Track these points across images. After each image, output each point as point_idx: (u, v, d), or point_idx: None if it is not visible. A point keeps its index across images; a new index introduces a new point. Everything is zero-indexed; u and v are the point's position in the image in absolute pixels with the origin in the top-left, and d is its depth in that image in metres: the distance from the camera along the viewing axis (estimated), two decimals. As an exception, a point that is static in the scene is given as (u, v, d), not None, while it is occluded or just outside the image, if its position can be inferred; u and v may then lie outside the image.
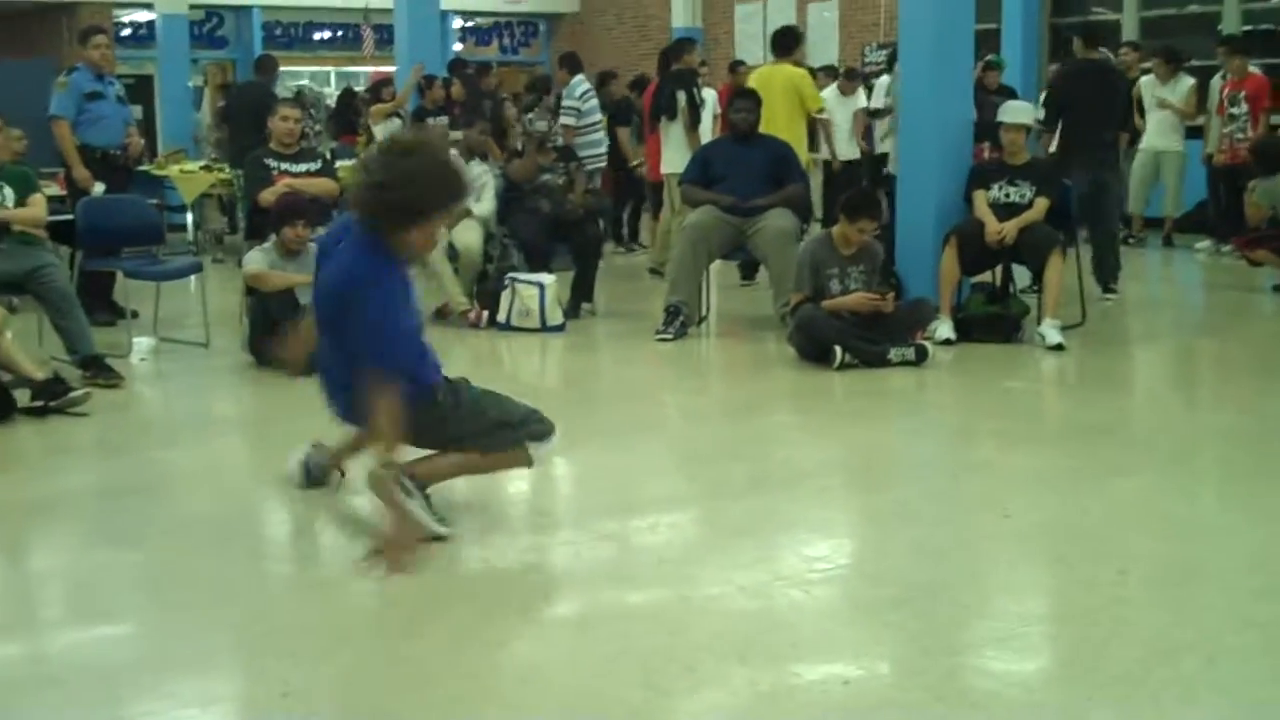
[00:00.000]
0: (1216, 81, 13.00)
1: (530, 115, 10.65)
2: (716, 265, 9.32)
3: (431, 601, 3.96)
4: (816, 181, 13.42)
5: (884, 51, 15.99)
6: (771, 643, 3.57)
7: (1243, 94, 12.31)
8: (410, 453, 4.47)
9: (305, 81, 21.49)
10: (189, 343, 8.41)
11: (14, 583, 4.38)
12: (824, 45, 19.28)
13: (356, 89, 17.48)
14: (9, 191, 7.48)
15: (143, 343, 8.43)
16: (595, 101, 12.48)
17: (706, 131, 11.23)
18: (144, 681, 3.43)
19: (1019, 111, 8.73)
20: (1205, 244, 12.80)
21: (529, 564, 4.41)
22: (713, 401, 7.30)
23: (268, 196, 8.16)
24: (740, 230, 8.58)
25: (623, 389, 7.54)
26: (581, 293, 9.35)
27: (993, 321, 8.21)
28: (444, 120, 13.45)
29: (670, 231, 10.44)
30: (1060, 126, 9.95)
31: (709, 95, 11.73)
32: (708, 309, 9.06)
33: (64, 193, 9.74)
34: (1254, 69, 12.64)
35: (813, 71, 14.20)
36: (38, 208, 7.56)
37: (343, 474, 5.04)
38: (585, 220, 9.55)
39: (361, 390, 4.23)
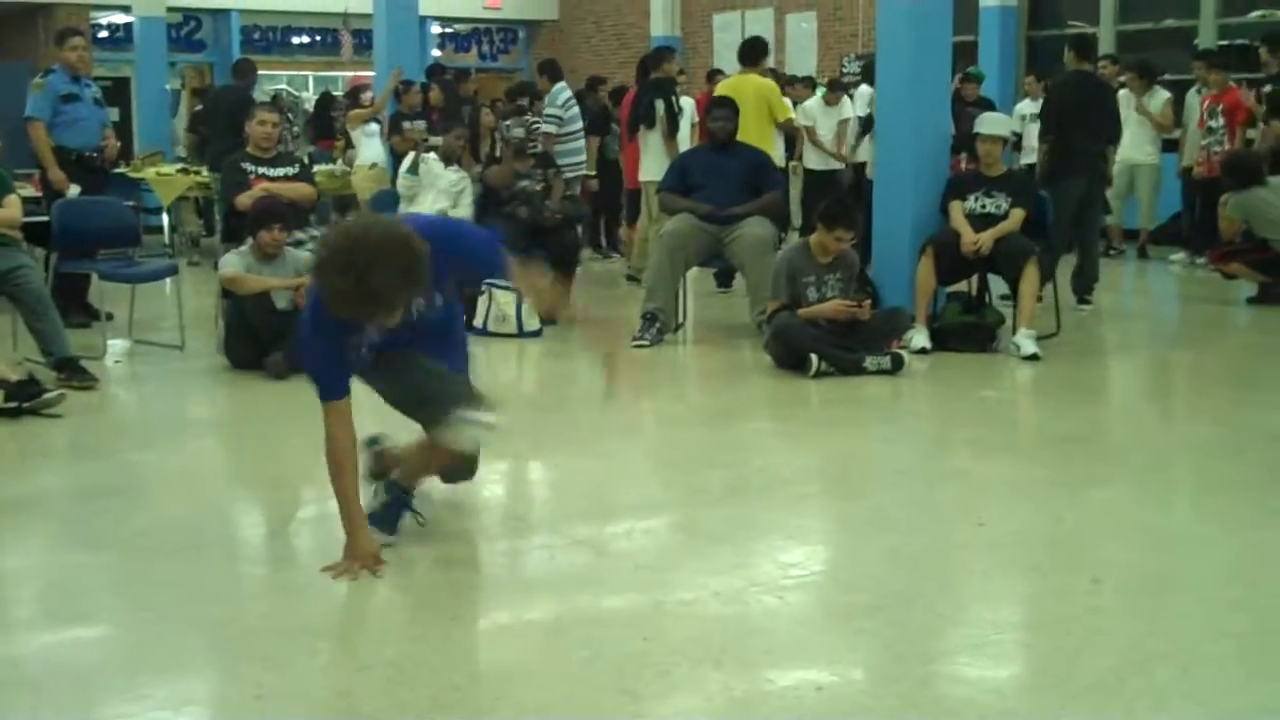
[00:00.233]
0: (1193, 95, 13.07)
1: (508, 122, 10.63)
2: (693, 272, 9.33)
3: (406, 605, 3.96)
4: (796, 190, 13.45)
5: (860, 62, 16.02)
6: (746, 648, 3.57)
7: (1220, 107, 12.38)
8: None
9: (283, 86, 21.45)
10: (164, 345, 8.38)
11: (-14, 584, 4.36)
12: (802, 56, 19.31)
13: (335, 93, 17.45)
14: (-16, 192, 7.46)
15: (117, 345, 8.40)
16: (577, 109, 12.48)
17: (684, 140, 11.25)
18: (118, 684, 3.42)
19: (995, 123, 8.77)
20: (1180, 256, 12.86)
21: (504, 568, 4.41)
22: (689, 408, 7.30)
23: (244, 200, 8.13)
24: (717, 238, 8.59)
25: (599, 395, 7.54)
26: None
27: (968, 331, 8.23)
28: (421, 125, 13.43)
29: (648, 239, 10.45)
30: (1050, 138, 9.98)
31: (687, 104, 11.75)
32: (684, 316, 9.07)
33: (39, 194, 9.70)
34: (1232, 83, 12.70)
35: (791, 80, 14.25)
36: (12, 209, 7.52)
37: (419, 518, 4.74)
38: (563, 227, 9.55)
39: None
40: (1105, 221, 13.32)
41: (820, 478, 5.69)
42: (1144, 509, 5.01)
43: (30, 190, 9.71)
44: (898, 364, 7.43)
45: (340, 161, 14.79)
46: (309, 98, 20.80)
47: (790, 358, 7.45)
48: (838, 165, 12.72)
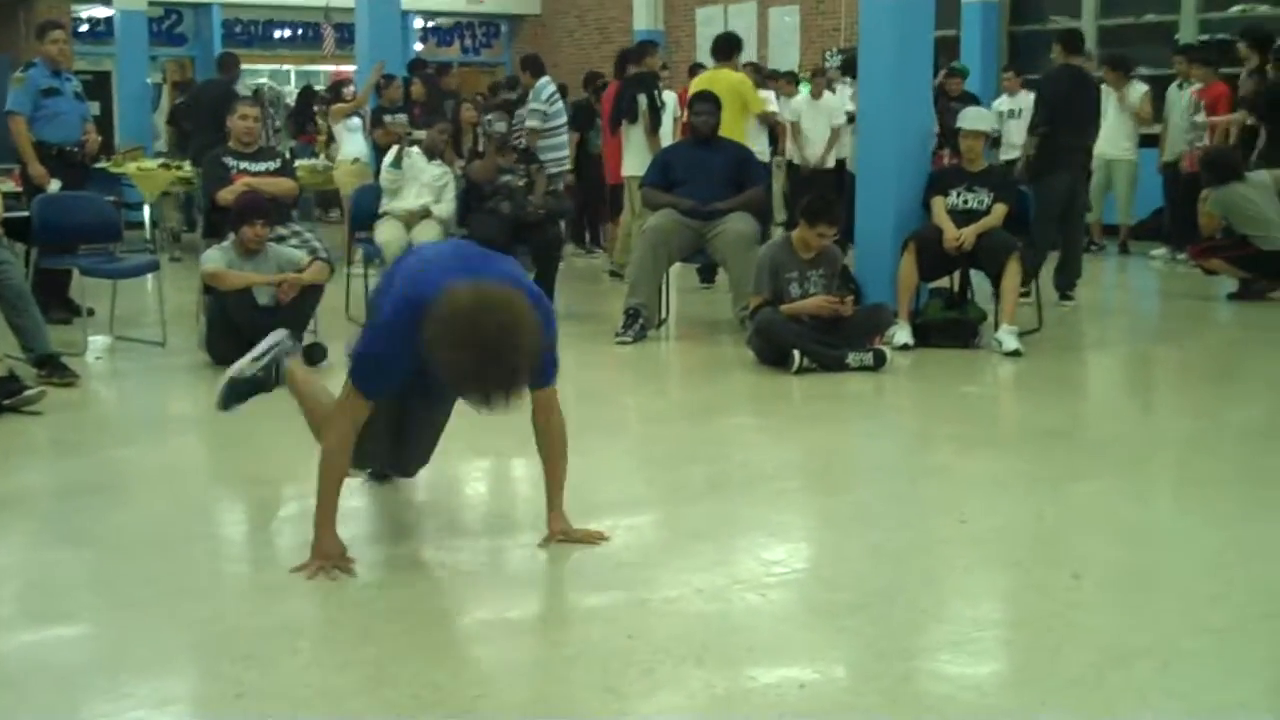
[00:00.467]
0: (1173, 90, 13.10)
1: (489, 116, 10.62)
2: (676, 268, 9.34)
3: (388, 604, 3.95)
4: (780, 185, 13.47)
5: (841, 56, 16.03)
6: (728, 646, 3.57)
7: (1202, 102, 12.42)
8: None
9: (265, 80, 21.39)
10: (145, 341, 8.36)
11: (-34, 582, 4.35)
12: (784, 50, 19.33)
13: (316, 88, 17.40)
14: (-36, 188, 7.44)
15: (98, 341, 8.37)
16: (561, 104, 12.49)
17: (667, 135, 11.25)
18: (98, 682, 3.41)
19: (977, 118, 8.78)
20: (1161, 252, 12.90)
21: (487, 566, 4.40)
22: (672, 404, 7.30)
23: (226, 195, 8.11)
24: (700, 234, 8.59)
25: (582, 391, 7.53)
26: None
27: (950, 327, 8.25)
28: (403, 118, 13.42)
29: (631, 234, 10.45)
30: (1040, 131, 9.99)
31: (669, 98, 11.75)
32: (667, 312, 9.07)
33: (19, 189, 9.67)
34: (1217, 79, 12.73)
35: (773, 75, 14.23)
36: (-8, 204, 7.51)
37: None
38: (545, 222, 9.54)
39: None
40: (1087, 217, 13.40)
41: (802, 474, 5.70)
42: (1125, 504, 5.03)
43: (10, 185, 9.68)
44: (880, 360, 7.44)
45: (322, 156, 14.78)
46: (291, 92, 20.77)
47: (773, 353, 7.46)
48: (826, 164, 12.75)
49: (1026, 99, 11.87)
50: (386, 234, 9.17)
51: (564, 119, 12.50)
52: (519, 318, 3.66)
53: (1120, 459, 5.76)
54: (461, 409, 4.39)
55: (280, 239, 7.91)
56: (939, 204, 8.30)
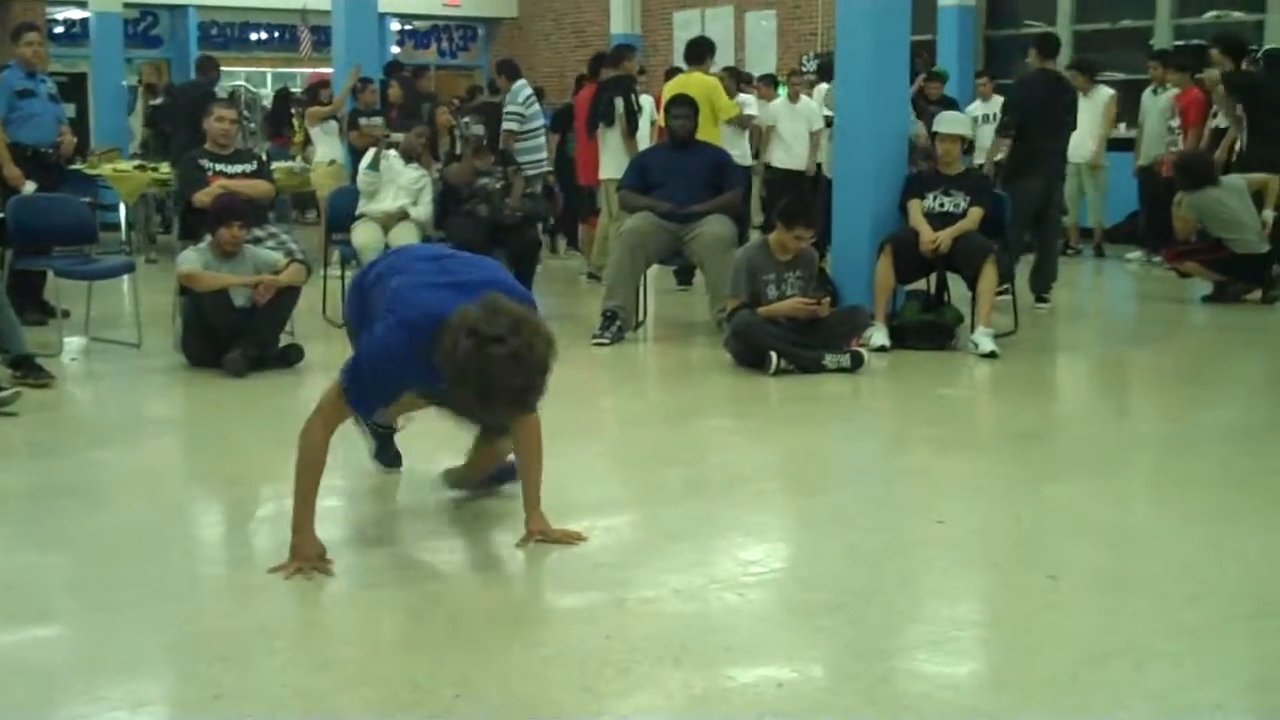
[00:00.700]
0: (1148, 95, 13.16)
1: (466, 119, 10.62)
2: (653, 270, 9.34)
3: (365, 605, 3.95)
4: (757, 188, 13.47)
5: (818, 60, 16.06)
6: (706, 646, 3.58)
7: (1177, 107, 12.49)
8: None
9: (241, 82, 21.34)
10: (121, 343, 8.33)
11: (-59, 584, 4.33)
12: (762, 54, 19.35)
13: (293, 90, 17.36)
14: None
15: (74, 342, 8.34)
16: (538, 107, 12.49)
17: (644, 138, 11.25)
18: (75, 684, 3.39)
19: (954, 122, 8.81)
20: (1137, 255, 12.96)
21: (464, 566, 4.40)
22: (649, 406, 7.31)
23: (203, 197, 8.09)
24: (677, 236, 8.60)
25: (559, 393, 7.52)
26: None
27: (927, 329, 8.28)
28: (379, 121, 13.40)
29: (608, 237, 10.45)
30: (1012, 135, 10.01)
31: (646, 102, 11.75)
32: (644, 314, 9.08)
33: (-6, 191, 9.62)
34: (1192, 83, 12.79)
35: (748, 79, 14.24)
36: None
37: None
38: (523, 224, 9.54)
39: None
40: (1064, 221, 13.46)
41: (780, 475, 5.71)
42: (1101, 506, 5.04)
43: (-15, 187, 9.62)
44: (857, 362, 7.46)
45: (299, 158, 14.75)
46: (267, 94, 20.72)
47: (750, 355, 7.47)
48: (801, 165, 12.75)
49: (999, 104, 11.90)
50: (363, 236, 9.16)
51: (541, 122, 12.50)
52: (534, 343, 3.78)
53: (1096, 461, 5.79)
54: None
55: (257, 241, 7.89)
56: (915, 207, 8.33)
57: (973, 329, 8.09)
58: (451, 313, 3.79)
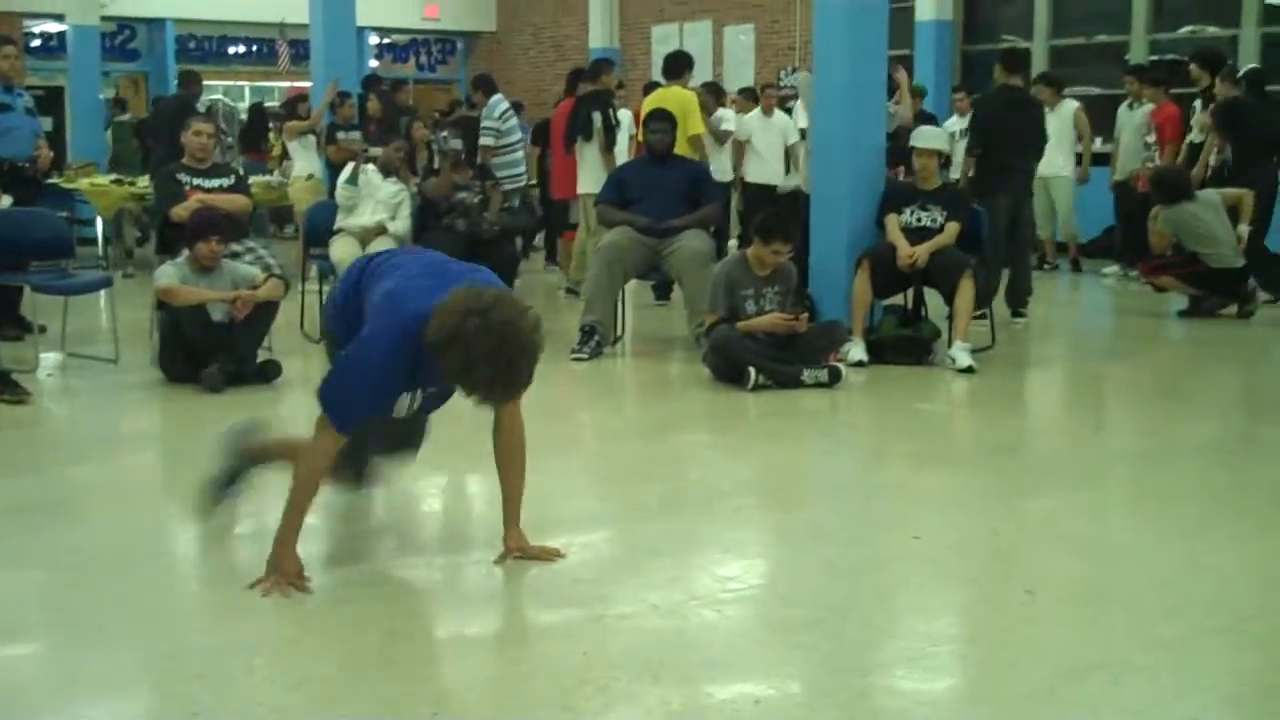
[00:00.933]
0: (1124, 110, 13.23)
1: (444, 133, 10.63)
2: (632, 285, 9.35)
3: (343, 622, 3.94)
4: (735, 202, 13.48)
5: (797, 75, 16.10)
6: (684, 662, 3.58)
7: (1154, 122, 12.55)
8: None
9: (219, 96, 21.31)
10: (98, 358, 8.30)
11: (-84, 602, 4.31)
12: (740, 69, 19.40)
13: (270, 104, 17.33)
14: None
15: (50, 358, 8.30)
16: (515, 121, 12.50)
17: (623, 152, 11.27)
18: (51, 703, 3.38)
19: (931, 137, 8.84)
20: (1113, 269, 13.01)
21: (442, 583, 4.39)
22: (627, 421, 7.31)
23: (180, 212, 8.07)
24: (655, 251, 8.61)
25: (537, 408, 7.52)
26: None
27: (904, 344, 8.30)
28: (356, 136, 13.40)
29: (586, 251, 10.45)
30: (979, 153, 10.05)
31: (625, 116, 11.77)
32: (623, 329, 9.08)
33: (-30, 205, 9.59)
34: (1168, 99, 12.85)
35: (720, 93, 14.25)
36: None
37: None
38: (501, 239, 9.55)
39: None
40: (1039, 235, 13.53)
41: (758, 491, 5.71)
42: (1078, 520, 5.06)
43: (-39, 201, 9.58)
44: (835, 377, 7.47)
45: (277, 173, 14.73)
46: (244, 108, 20.69)
47: (728, 370, 7.47)
48: (778, 180, 12.76)
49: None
50: (341, 251, 9.14)
51: (518, 136, 12.50)
52: (519, 307, 3.85)
53: (1073, 475, 5.81)
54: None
55: (235, 255, 7.88)
56: (893, 221, 8.35)
57: (950, 344, 8.10)
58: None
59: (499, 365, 3.75)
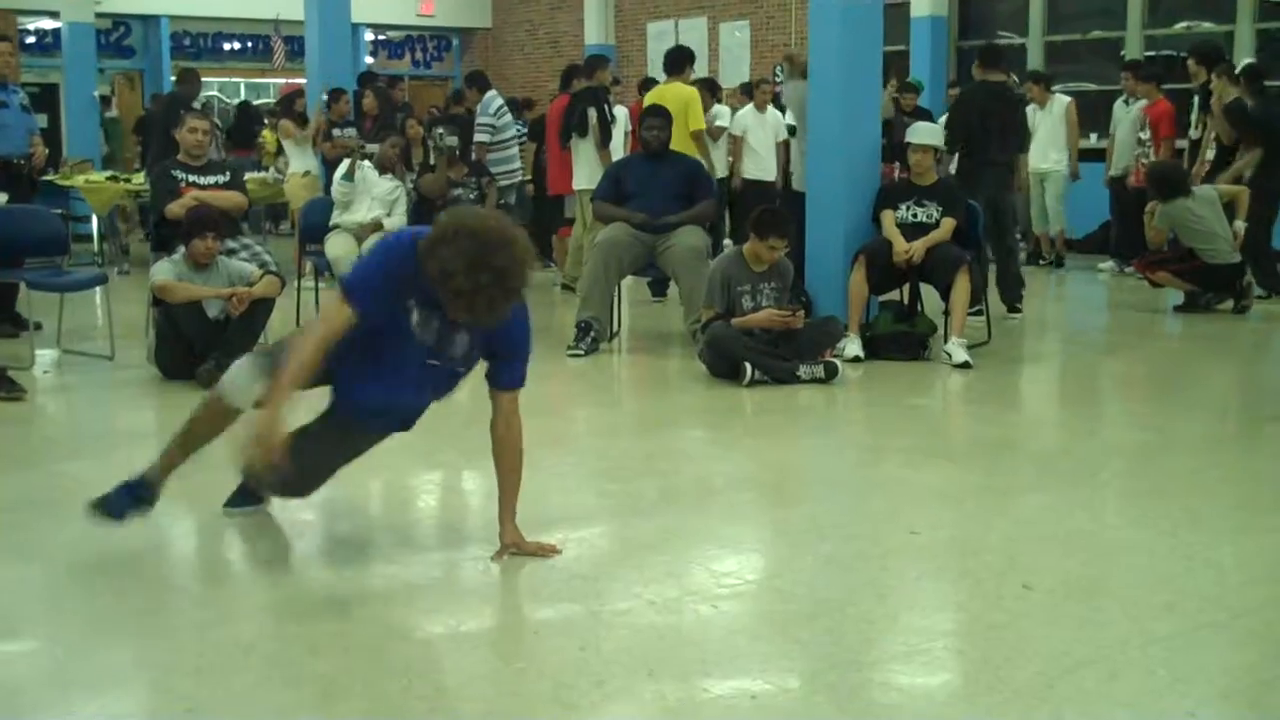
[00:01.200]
0: (1119, 105, 13.24)
1: (440, 130, 10.61)
2: (628, 281, 9.35)
3: (339, 618, 3.94)
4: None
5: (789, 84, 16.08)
6: (680, 657, 3.58)
7: (1146, 119, 12.56)
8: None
9: (214, 93, 21.29)
10: (94, 355, 8.30)
11: (-89, 599, 4.30)
12: (736, 65, 19.40)
13: (257, 102, 17.32)
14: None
15: (46, 355, 8.30)
16: (509, 117, 12.50)
17: (618, 149, 11.26)
18: (47, 698, 3.38)
19: (926, 133, 8.84)
20: (1109, 265, 13.02)
21: (438, 579, 4.39)
22: (624, 417, 7.31)
23: (176, 209, 8.07)
24: (651, 247, 8.61)
25: (534, 404, 7.51)
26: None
27: (900, 339, 8.30)
28: (352, 132, 13.39)
29: (582, 248, 10.45)
30: (960, 149, 10.07)
31: (620, 113, 11.77)
32: (619, 325, 9.08)
33: (-35, 203, 9.58)
34: (1161, 94, 12.86)
35: (714, 89, 14.25)
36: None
37: None
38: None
39: None
40: (1033, 230, 13.55)
41: (754, 486, 5.71)
42: (1073, 515, 5.06)
43: (-43, 199, 9.58)
44: (831, 372, 7.47)
45: (272, 169, 14.73)
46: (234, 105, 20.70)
47: (724, 366, 7.47)
48: (772, 176, 12.75)
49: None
50: (337, 247, 9.15)
51: (513, 132, 12.50)
52: (505, 220, 3.99)
53: (1069, 470, 5.81)
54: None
55: (230, 252, 7.87)
56: (888, 217, 8.36)
57: (946, 339, 8.11)
58: None
59: (480, 276, 3.83)
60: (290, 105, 14.08)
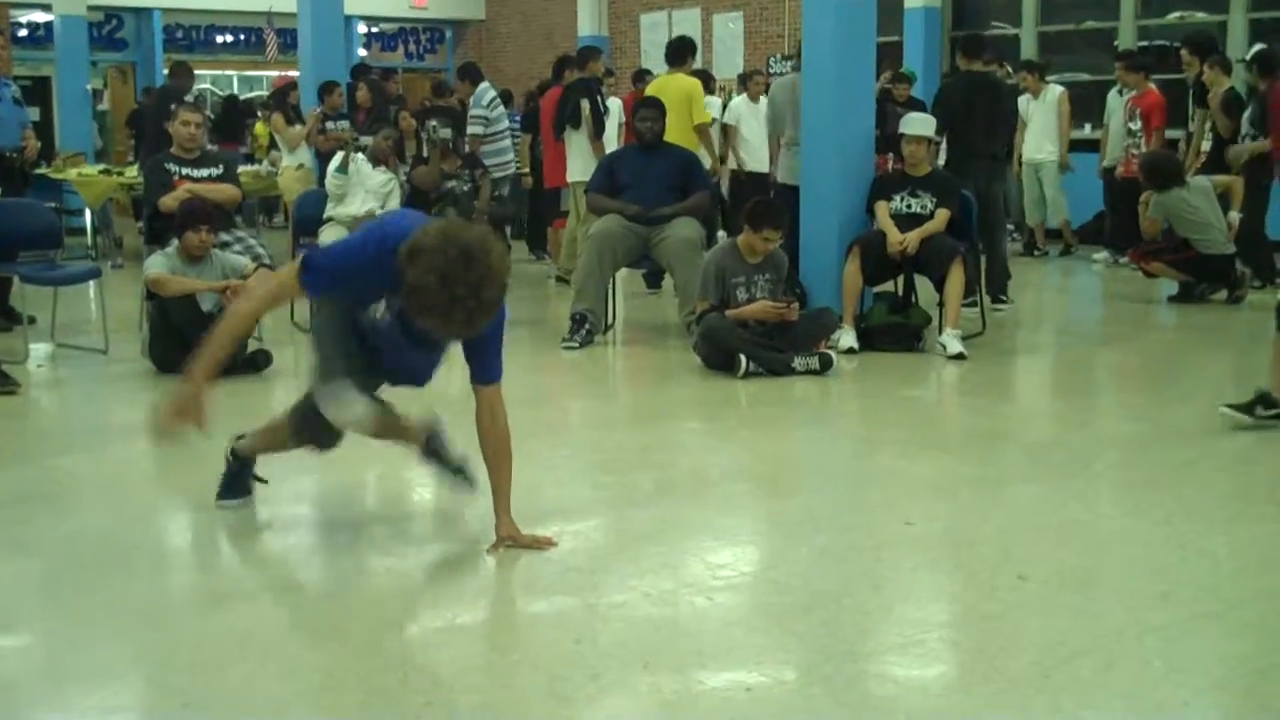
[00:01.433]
0: (1113, 96, 13.24)
1: (433, 122, 10.59)
2: (623, 273, 9.34)
3: (336, 611, 3.94)
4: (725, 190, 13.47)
5: (789, 63, 16.09)
6: (676, 649, 3.58)
7: (1138, 109, 12.55)
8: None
9: (207, 86, 21.26)
10: (87, 349, 8.29)
11: (-94, 593, 4.30)
12: (729, 56, 19.39)
13: (245, 96, 17.30)
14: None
15: (40, 349, 8.29)
16: (502, 109, 12.47)
17: (612, 140, 11.25)
18: (43, 693, 3.38)
19: (919, 123, 8.83)
20: (1103, 255, 13.02)
21: (434, 572, 4.39)
22: (619, 409, 7.31)
23: (169, 202, 8.05)
24: (646, 239, 8.61)
25: (528, 396, 7.52)
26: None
27: (895, 331, 8.30)
28: (345, 125, 13.37)
29: (576, 240, 10.44)
30: (946, 139, 10.05)
31: (614, 104, 11.75)
32: (613, 317, 9.07)
33: (-42, 196, 9.57)
34: (1150, 85, 12.85)
35: (708, 80, 14.25)
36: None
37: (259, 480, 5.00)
38: (491, 227, 9.52)
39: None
40: (1029, 222, 13.55)
41: (749, 478, 5.72)
42: (1068, 506, 5.07)
43: (-51, 192, 9.57)
44: (826, 364, 7.47)
45: (266, 162, 14.72)
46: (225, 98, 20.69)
47: (719, 358, 7.48)
48: (764, 167, 12.74)
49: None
50: (331, 240, 9.13)
51: (506, 124, 12.48)
52: (488, 239, 3.85)
53: (1063, 461, 5.81)
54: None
55: (224, 245, 7.86)
56: (882, 209, 8.35)
57: (940, 330, 8.11)
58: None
59: (453, 291, 3.74)
60: (284, 98, 14.06)
